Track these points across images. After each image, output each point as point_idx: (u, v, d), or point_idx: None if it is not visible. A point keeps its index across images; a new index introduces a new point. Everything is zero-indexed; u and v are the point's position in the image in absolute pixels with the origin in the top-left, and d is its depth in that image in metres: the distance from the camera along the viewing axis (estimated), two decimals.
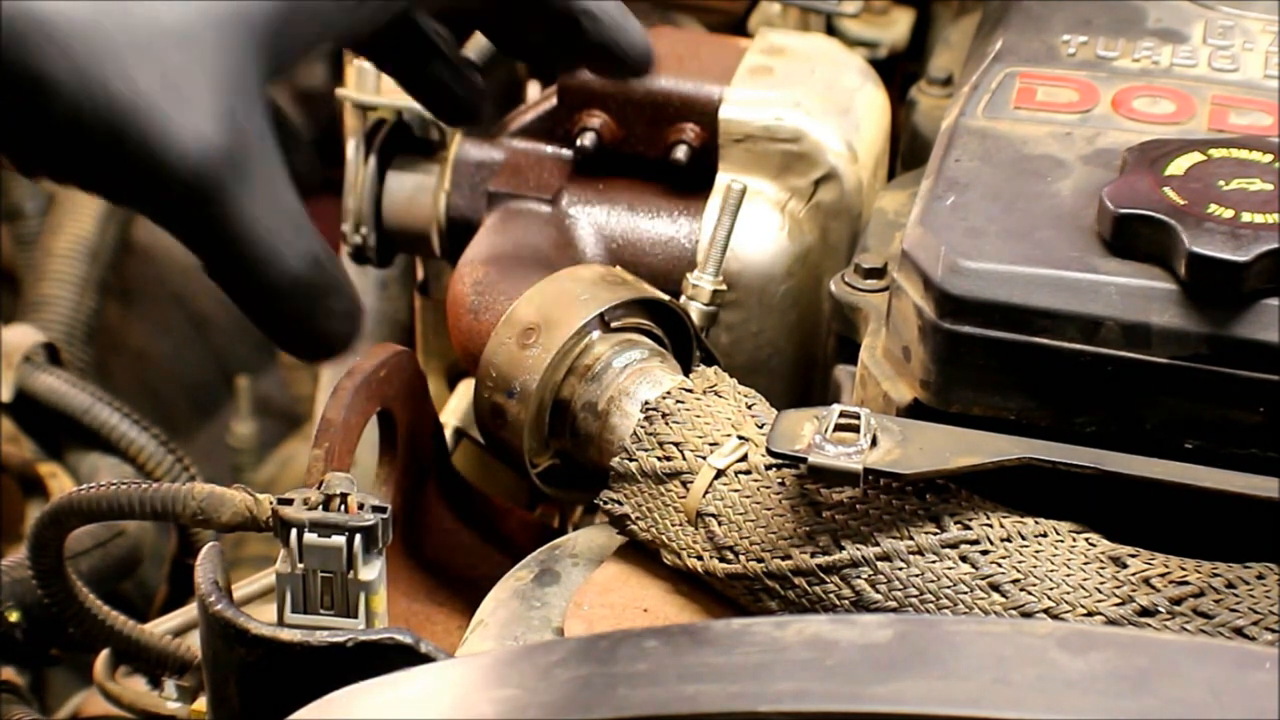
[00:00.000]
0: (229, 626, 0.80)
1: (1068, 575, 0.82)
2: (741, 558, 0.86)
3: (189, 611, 1.11)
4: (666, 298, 1.01)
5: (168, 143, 0.70)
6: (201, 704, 1.04)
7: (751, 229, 1.11)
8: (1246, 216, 0.85)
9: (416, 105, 1.17)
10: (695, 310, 1.04)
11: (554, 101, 1.16)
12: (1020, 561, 0.82)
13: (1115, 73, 1.02)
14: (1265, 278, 0.84)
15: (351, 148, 1.19)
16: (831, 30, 1.33)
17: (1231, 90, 1.00)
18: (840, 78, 1.17)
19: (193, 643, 1.04)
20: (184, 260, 0.75)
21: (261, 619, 0.80)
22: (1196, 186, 0.87)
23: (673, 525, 0.89)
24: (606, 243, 1.13)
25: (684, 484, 0.89)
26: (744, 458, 0.88)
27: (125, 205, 0.74)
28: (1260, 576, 0.81)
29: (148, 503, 0.86)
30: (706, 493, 0.88)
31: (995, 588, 0.82)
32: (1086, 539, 0.83)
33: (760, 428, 0.89)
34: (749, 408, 0.91)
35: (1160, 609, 0.80)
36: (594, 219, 1.14)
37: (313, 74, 1.99)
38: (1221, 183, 0.88)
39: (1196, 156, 0.90)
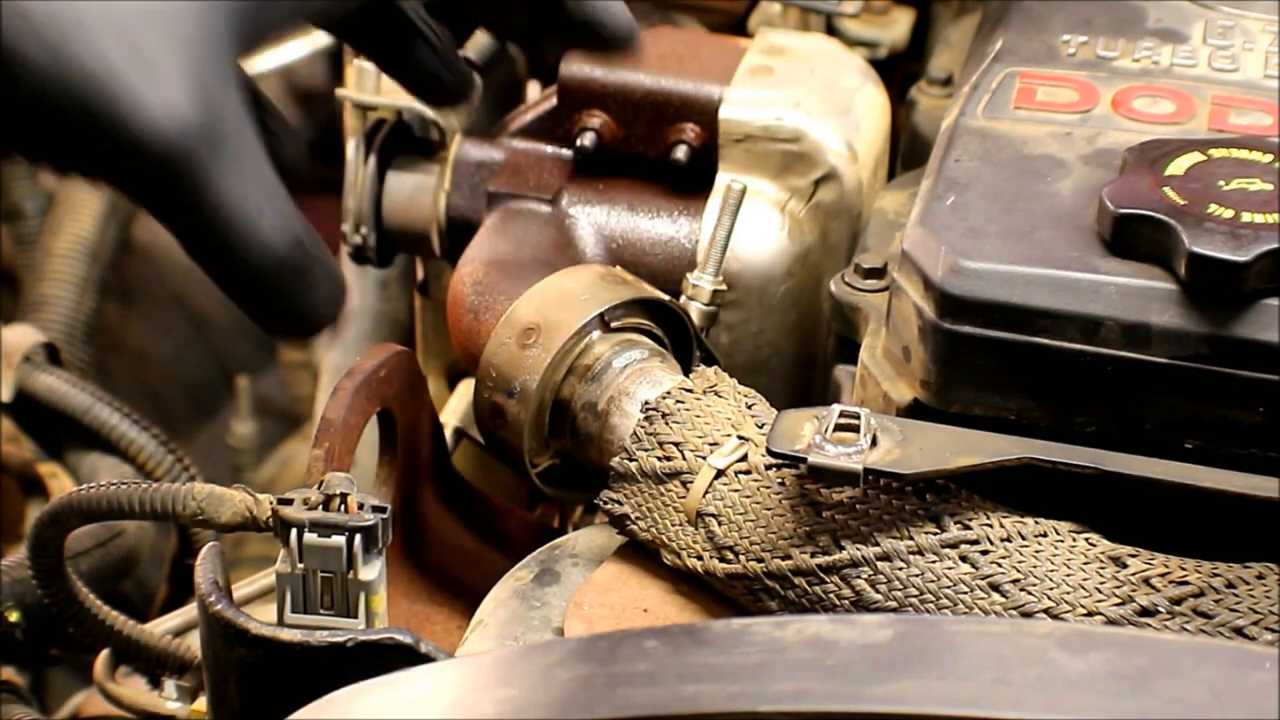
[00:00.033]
0: (229, 626, 0.80)
1: (1068, 575, 0.82)
2: (741, 558, 0.86)
3: (189, 611, 1.11)
4: (666, 298, 1.01)
5: (138, 115, 0.69)
6: (201, 704, 1.04)
7: (751, 229, 1.10)
8: (1246, 216, 0.85)
9: (416, 105, 1.17)
10: (695, 310, 1.04)
11: (554, 101, 1.16)
12: (1020, 561, 0.82)
13: (1115, 73, 1.02)
14: (1265, 278, 0.84)
15: (351, 148, 1.19)
16: (831, 30, 1.33)
17: (1231, 90, 1.00)
18: (840, 78, 1.17)
19: (193, 643, 1.04)
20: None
21: (261, 619, 0.80)
22: (1196, 186, 0.87)
23: (673, 525, 0.89)
24: (606, 243, 1.13)
25: (684, 484, 0.89)
26: (744, 458, 0.88)
27: (99, 181, 0.73)
28: (1260, 576, 0.81)
29: (148, 503, 0.86)
30: (706, 493, 0.88)
31: (995, 588, 0.82)
32: (1086, 539, 0.83)
33: (760, 428, 0.89)
34: (749, 408, 0.91)
35: (1160, 609, 0.80)
36: (594, 219, 1.13)
37: (313, 74, 1.98)
38: (1221, 183, 0.88)
39: (1196, 156, 0.90)
